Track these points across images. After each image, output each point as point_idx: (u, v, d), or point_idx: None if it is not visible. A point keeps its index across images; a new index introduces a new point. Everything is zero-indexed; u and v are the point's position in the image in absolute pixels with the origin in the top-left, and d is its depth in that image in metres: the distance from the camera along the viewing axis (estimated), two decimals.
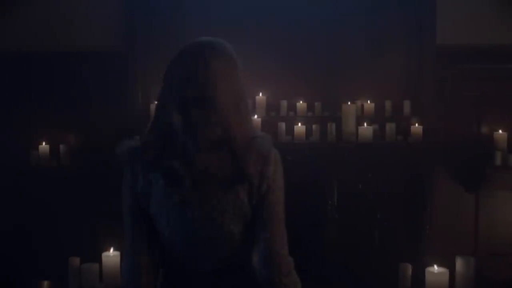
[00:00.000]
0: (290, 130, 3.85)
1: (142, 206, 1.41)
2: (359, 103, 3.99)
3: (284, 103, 4.04)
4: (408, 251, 3.64)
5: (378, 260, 3.55)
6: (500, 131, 3.79)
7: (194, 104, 1.34)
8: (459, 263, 2.25)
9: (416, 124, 3.82)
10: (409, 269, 2.31)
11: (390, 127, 3.81)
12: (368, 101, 4.01)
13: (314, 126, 3.84)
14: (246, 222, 1.39)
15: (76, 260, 2.41)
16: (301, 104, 4.03)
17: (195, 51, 1.38)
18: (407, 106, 4.02)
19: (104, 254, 2.34)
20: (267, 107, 4.01)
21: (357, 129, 3.72)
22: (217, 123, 1.34)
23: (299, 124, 3.84)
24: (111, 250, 2.35)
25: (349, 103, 3.85)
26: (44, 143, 3.94)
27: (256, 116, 3.80)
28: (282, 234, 1.40)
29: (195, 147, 1.33)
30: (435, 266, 2.18)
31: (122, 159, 1.41)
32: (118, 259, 2.32)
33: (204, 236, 1.39)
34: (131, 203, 1.41)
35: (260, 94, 4.01)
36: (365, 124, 3.77)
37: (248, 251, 1.42)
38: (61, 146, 3.96)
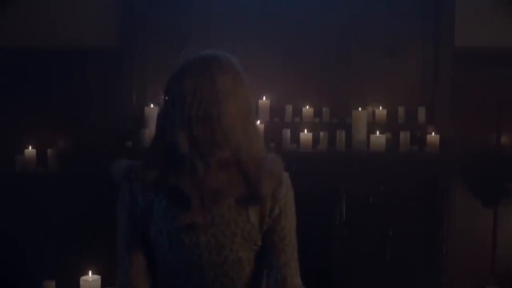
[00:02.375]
0: (295, 137, 3.66)
1: (140, 228, 1.35)
2: (370, 109, 3.80)
3: (289, 108, 3.84)
4: (422, 270, 3.50)
5: (389, 280, 3.42)
6: None
7: (199, 122, 1.30)
8: None
9: (433, 133, 3.62)
10: None
11: (404, 135, 3.61)
12: (380, 107, 3.81)
13: (321, 134, 3.65)
14: (255, 248, 1.35)
15: (51, 285, 2.17)
16: (307, 109, 3.82)
17: (201, 66, 1.34)
18: (422, 113, 3.81)
19: (83, 279, 2.12)
20: (271, 112, 3.81)
21: (368, 138, 3.55)
22: (225, 143, 1.30)
23: (305, 131, 3.65)
24: (90, 274, 2.12)
25: (359, 109, 3.66)
26: (30, 147, 3.77)
27: (259, 122, 3.60)
28: (296, 263, 1.36)
29: (205, 167, 1.28)
30: None
31: (117, 178, 1.36)
32: (98, 284, 2.09)
33: (209, 262, 1.33)
34: (128, 224, 1.36)
35: (264, 98, 3.81)
36: (377, 132, 3.58)
37: (257, 279, 1.38)
38: (49, 151, 3.79)
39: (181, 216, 1.29)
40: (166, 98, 1.36)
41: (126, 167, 1.37)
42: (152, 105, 3.75)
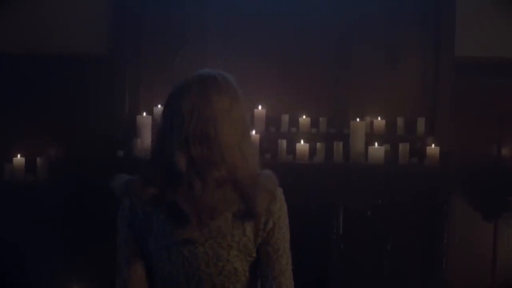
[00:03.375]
0: (291, 148, 3.59)
1: (140, 241, 1.41)
2: (368, 119, 3.73)
3: (285, 118, 3.77)
4: (422, 285, 3.45)
5: None
6: None
7: (197, 142, 1.35)
8: None
9: (433, 145, 3.54)
10: None
11: (403, 147, 3.54)
12: (379, 118, 3.74)
13: (318, 145, 3.58)
14: (250, 259, 1.41)
15: None
16: (304, 119, 3.76)
17: (199, 86, 1.39)
18: (421, 124, 3.74)
19: None
20: (267, 122, 3.74)
21: (366, 149, 3.49)
22: (222, 162, 1.36)
23: (302, 141, 3.58)
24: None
25: (358, 119, 3.60)
26: (19, 156, 3.70)
27: (254, 132, 3.52)
28: (290, 273, 1.42)
29: (202, 185, 1.34)
30: None
31: (117, 193, 1.42)
32: None
33: (207, 273, 1.39)
34: (127, 237, 1.42)
35: (259, 107, 3.73)
36: (376, 144, 3.51)
37: None
38: (38, 159, 3.72)
39: (179, 231, 1.35)
40: (165, 115, 1.41)
41: (125, 183, 1.42)
42: (144, 114, 3.67)
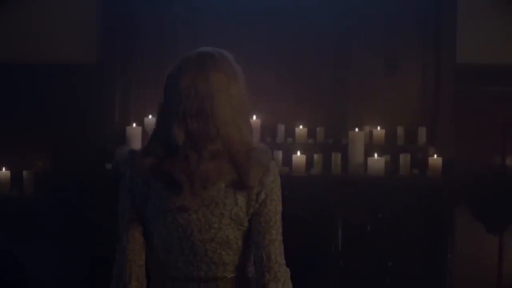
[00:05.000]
0: (287, 159, 3.55)
1: (139, 209, 1.51)
2: (367, 129, 3.70)
3: (281, 128, 3.73)
4: None
5: None
6: None
7: (193, 117, 1.44)
8: None
9: (435, 156, 3.50)
10: None
11: (404, 158, 3.50)
12: (378, 127, 3.69)
13: (315, 156, 3.55)
14: (242, 229, 1.49)
15: None
16: (301, 129, 3.71)
17: (195, 62, 1.47)
18: (422, 133, 3.69)
19: None
20: (262, 132, 3.67)
21: (365, 160, 3.48)
22: (217, 137, 1.44)
23: (298, 153, 3.54)
24: None
25: (356, 129, 3.56)
26: (4, 169, 3.65)
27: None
28: (280, 243, 1.49)
29: (198, 158, 1.43)
30: None
31: (120, 164, 1.54)
32: None
33: (199, 239, 1.47)
34: (127, 205, 1.52)
35: (254, 117, 3.65)
36: (375, 155, 3.48)
37: (244, 256, 1.52)
38: (25, 172, 3.67)
39: (173, 198, 1.44)
40: (165, 92, 1.50)
41: (127, 154, 1.53)
42: (134, 125, 3.61)
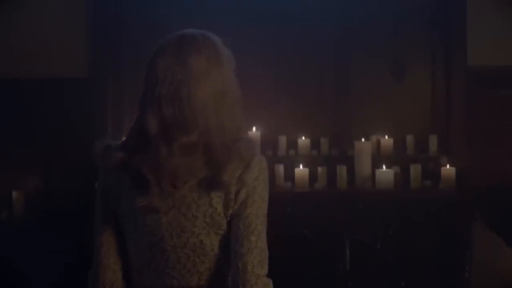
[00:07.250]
0: (290, 174, 3.51)
1: (113, 209, 1.43)
2: (374, 138, 3.66)
3: (282, 140, 3.69)
4: None
5: None
6: None
7: (169, 102, 1.35)
8: None
9: (447, 165, 3.43)
10: None
11: (414, 169, 3.44)
12: (386, 137, 3.66)
13: (319, 169, 3.51)
14: (220, 233, 1.39)
15: None
16: (303, 140, 3.67)
17: (174, 45, 1.39)
18: (434, 142, 3.64)
19: None
20: (262, 145, 3.60)
21: (373, 173, 3.44)
22: (193, 125, 1.35)
23: (301, 166, 3.48)
24: None
25: (362, 139, 3.56)
26: None
27: None
28: (261, 251, 1.38)
29: (168, 151, 1.35)
30: None
31: (95, 157, 1.45)
32: None
33: (171, 244, 1.38)
34: (100, 204, 1.45)
35: (253, 129, 3.61)
36: (384, 166, 3.43)
37: (222, 265, 1.41)
38: (14, 193, 3.62)
39: (140, 198, 1.36)
40: (144, 77, 1.42)
41: (103, 148, 1.44)
42: None
